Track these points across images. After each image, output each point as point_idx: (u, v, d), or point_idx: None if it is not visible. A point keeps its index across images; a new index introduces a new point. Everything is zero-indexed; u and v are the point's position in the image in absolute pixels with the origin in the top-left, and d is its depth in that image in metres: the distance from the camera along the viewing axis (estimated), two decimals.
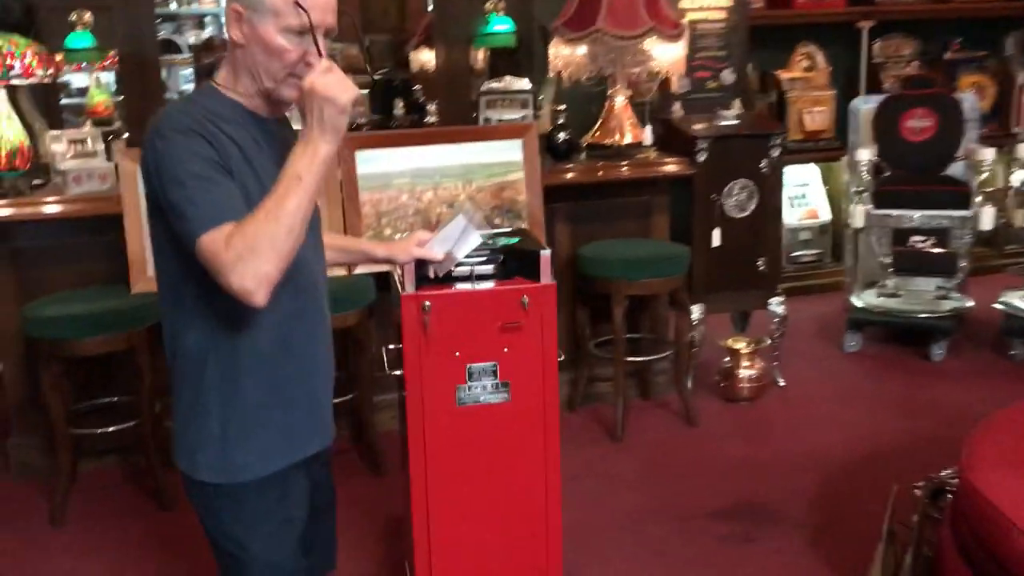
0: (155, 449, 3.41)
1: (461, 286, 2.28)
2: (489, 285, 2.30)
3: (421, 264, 2.21)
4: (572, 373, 4.16)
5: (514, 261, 2.35)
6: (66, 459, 3.39)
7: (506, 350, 2.31)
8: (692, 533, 3.17)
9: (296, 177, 1.55)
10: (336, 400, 1.97)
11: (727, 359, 4.27)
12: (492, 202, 3.71)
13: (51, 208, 3.45)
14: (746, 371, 4.21)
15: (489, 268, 2.32)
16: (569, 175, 3.97)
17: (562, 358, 2.46)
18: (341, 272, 3.36)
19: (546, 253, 2.30)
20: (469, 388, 2.31)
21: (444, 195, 3.67)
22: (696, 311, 4.17)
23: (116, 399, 3.66)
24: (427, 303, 2.24)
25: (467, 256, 2.28)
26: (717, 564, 3.00)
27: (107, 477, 3.67)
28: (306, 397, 1.81)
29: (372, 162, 3.59)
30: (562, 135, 4.03)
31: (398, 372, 2.31)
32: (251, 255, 1.51)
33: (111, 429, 3.48)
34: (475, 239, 2.19)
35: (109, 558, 3.13)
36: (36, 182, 3.62)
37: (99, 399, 3.67)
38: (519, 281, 2.32)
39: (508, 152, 3.73)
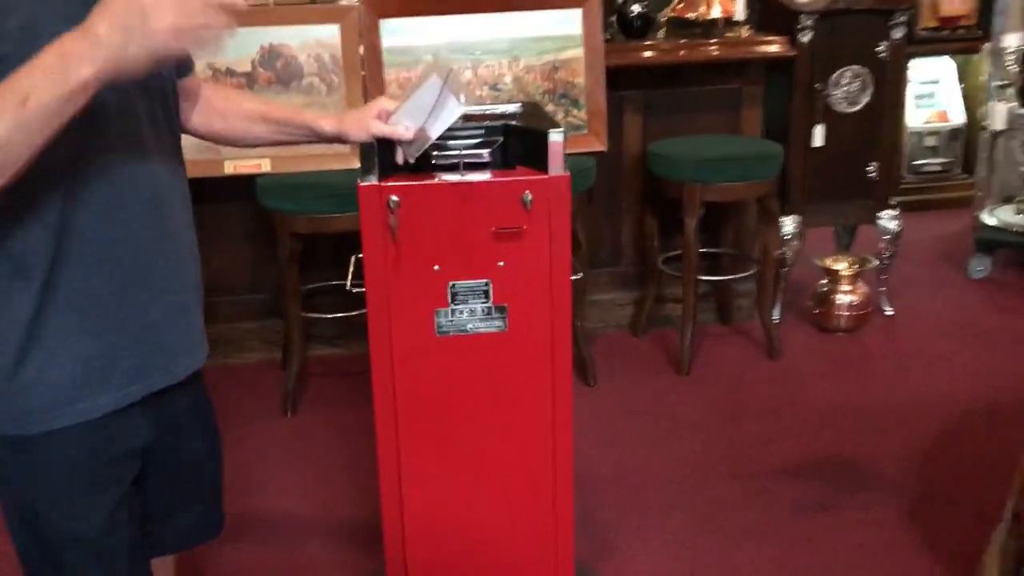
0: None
1: (444, 177, 1.69)
2: (482, 176, 1.69)
3: (386, 145, 1.63)
4: (638, 292, 3.54)
5: (517, 144, 1.74)
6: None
7: (502, 264, 1.71)
8: (759, 494, 2.55)
9: (22, 97, 1.03)
10: None
11: (824, 281, 3.57)
12: (543, 85, 3.07)
13: None
14: (846, 296, 3.51)
15: (483, 154, 1.72)
16: (643, 55, 3.28)
17: (579, 275, 1.87)
18: None
19: (557, 134, 1.68)
20: (452, 313, 1.73)
21: (486, 75, 3.05)
22: (789, 223, 3.48)
23: None
24: (394, 198, 1.65)
25: (453, 136, 1.69)
26: (785, 536, 2.38)
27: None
28: (136, 320, 1.28)
29: (399, 33, 2.98)
30: (636, 7, 3.32)
31: (360, 290, 1.75)
32: None
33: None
34: (455, 110, 1.58)
35: None
36: None
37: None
38: (522, 172, 1.71)
39: (565, 24, 3.06)
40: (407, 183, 1.67)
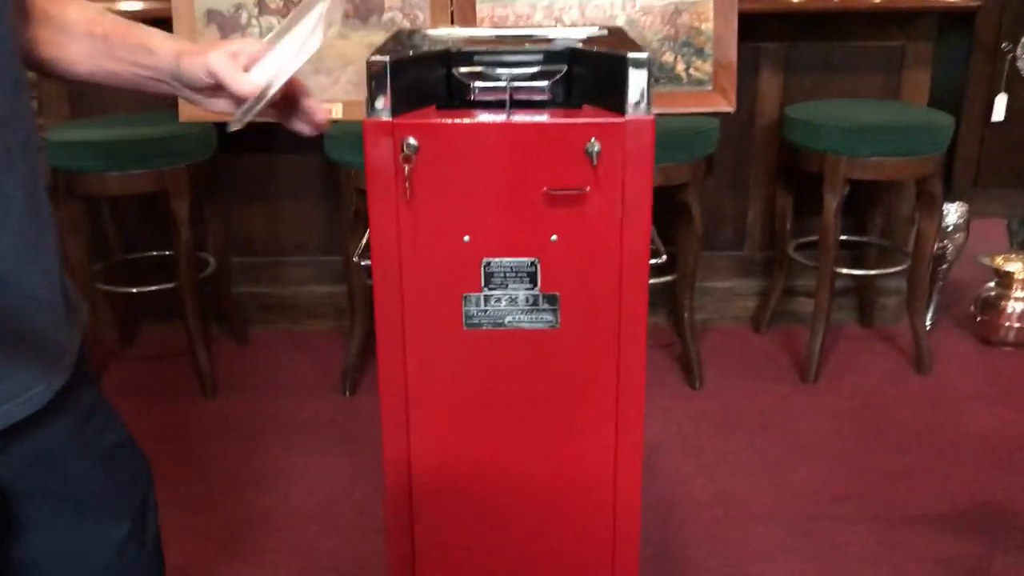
0: (198, 319, 2.63)
1: (482, 116, 1.22)
2: (534, 117, 1.22)
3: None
4: (763, 282, 2.99)
5: (586, 75, 1.26)
6: (93, 321, 2.66)
7: (555, 238, 1.24)
8: (895, 546, 2.00)
9: None
10: None
11: (991, 284, 2.93)
12: (662, 30, 2.55)
13: None
14: (1018, 304, 2.87)
15: (539, 87, 1.24)
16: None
17: (661, 259, 1.37)
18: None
19: (640, 60, 1.18)
20: (486, 301, 1.27)
21: (595, 15, 2.54)
22: (953, 211, 2.86)
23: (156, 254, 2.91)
24: (411, 141, 1.19)
25: (500, 63, 1.23)
26: None
27: (148, 347, 2.95)
28: None
29: None
30: None
31: (367, 263, 1.31)
32: None
33: (151, 288, 2.71)
34: (304, 49, 1.02)
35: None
36: None
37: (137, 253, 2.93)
38: (590, 113, 1.23)
39: None
40: (431, 121, 1.21)
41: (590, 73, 1.24)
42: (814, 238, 2.80)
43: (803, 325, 2.93)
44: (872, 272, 2.88)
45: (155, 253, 2.87)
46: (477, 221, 1.23)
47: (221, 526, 2.10)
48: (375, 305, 1.27)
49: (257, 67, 1.00)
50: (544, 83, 1.24)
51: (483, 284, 1.26)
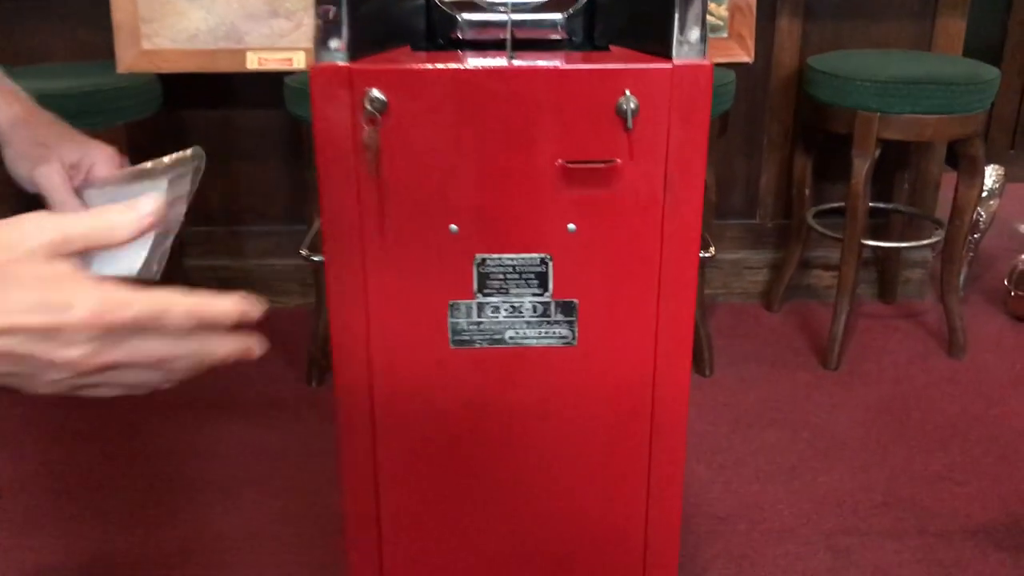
0: None
1: (475, 61, 0.89)
2: (547, 62, 0.88)
3: None
4: (777, 253, 2.67)
5: (615, 7, 0.92)
6: None
7: (573, 228, 0.91)
8: (948, 565, 1.72)
9: None
10: None
11: None
12: None
13: None
14: None
15: (552, 22, 0.91)
16: None
17: (710, 254, 1.05)
18: None
19: None
20: (480, 310, 0.94)
21: None
22: (988, 175, 2.55)
23: None
24: (376, 94, 0.86)
25: None
26: None
27: None
28: None
29: None
30: None
31: (317, 258, 0.97)
32: None
33: None
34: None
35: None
36: None
37: None
38: (620, 56, 0.90)
39: None
40: (404, 66, 0.87)
41: (621, 2, 0.90)
42: (835, 205, 2.48)
43: (820, 302, 2.62)
44: (903, 245, 2.56)
45: None
46: (468, 204, 0.90)
47: (164, 540, 1.77)
48: (330, 315, 0.94)
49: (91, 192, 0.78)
50: (558, 16, 0.90)
51: (476, 288, 0.93)
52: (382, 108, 0.85)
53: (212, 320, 0.55)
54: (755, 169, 2.61)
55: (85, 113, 2.12)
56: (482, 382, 0.95)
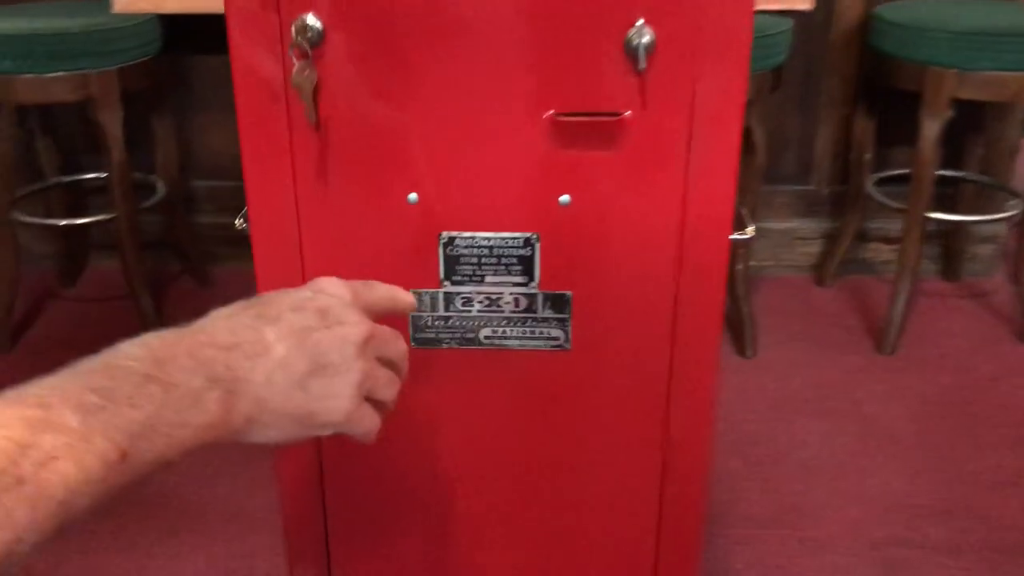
0: (137, 257, 2.12)
1: None
2: None
3: None
4: (832, 223, 2.41)
5: None
6: (8, 256, 2.15)
7: (566, 201, 0.70)
8: None
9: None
10: None
11: None
12: None
13: None
14: None
15: None
16: None
17: (747, 235, 0.83)
18: None
19: None
20: (448, 303, 0.74)
21: None
22: None
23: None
24: (311, 21, 0.65)
25: None
26: None
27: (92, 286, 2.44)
28: None
29: None
30: None
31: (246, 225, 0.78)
32: None
33: (79, 222, 2.20)
34: None
35: None
36: None
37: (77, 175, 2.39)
38: None
39: None
40: None
41: None
42: (898, 172, 2.23)
43: (877, 278, 2.38)
44: (974, 218, 2.30)
45: (93, 176, 2.34)
46: (431, 167, 0.69)
47: (148, 527, 1.61)
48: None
49: None
50: None
51: (442, 275, 0.72)
52: (318, 39, 0.64)
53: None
54: (810, 130, 2.36)
55: (76, 56, 1.94)
56: (451, 392, 0.75)
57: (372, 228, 0.70)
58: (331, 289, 0.57)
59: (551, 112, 0.66)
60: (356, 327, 0.55)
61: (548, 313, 0.72)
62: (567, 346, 0.73)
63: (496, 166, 0.68)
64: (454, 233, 0.70)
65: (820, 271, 2.42)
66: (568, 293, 0.72)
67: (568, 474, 0.78)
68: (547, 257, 0.70)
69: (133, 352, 0.49)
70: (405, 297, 0.62)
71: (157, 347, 0.50)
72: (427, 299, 0.72)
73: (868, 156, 2.23)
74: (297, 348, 0.54)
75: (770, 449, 1.82)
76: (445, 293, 0.72)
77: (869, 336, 2.20)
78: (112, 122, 1.99)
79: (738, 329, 2.12)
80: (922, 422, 1.91)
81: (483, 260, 0.71)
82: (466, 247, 0.70)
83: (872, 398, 1.98)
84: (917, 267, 2.12)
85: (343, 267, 0.71)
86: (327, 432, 0.56)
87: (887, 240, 2.33)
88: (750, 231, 0.76)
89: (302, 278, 0.71)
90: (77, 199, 2.35)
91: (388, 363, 0.59)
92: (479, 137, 0.67)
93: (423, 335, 0.73)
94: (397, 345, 0.59)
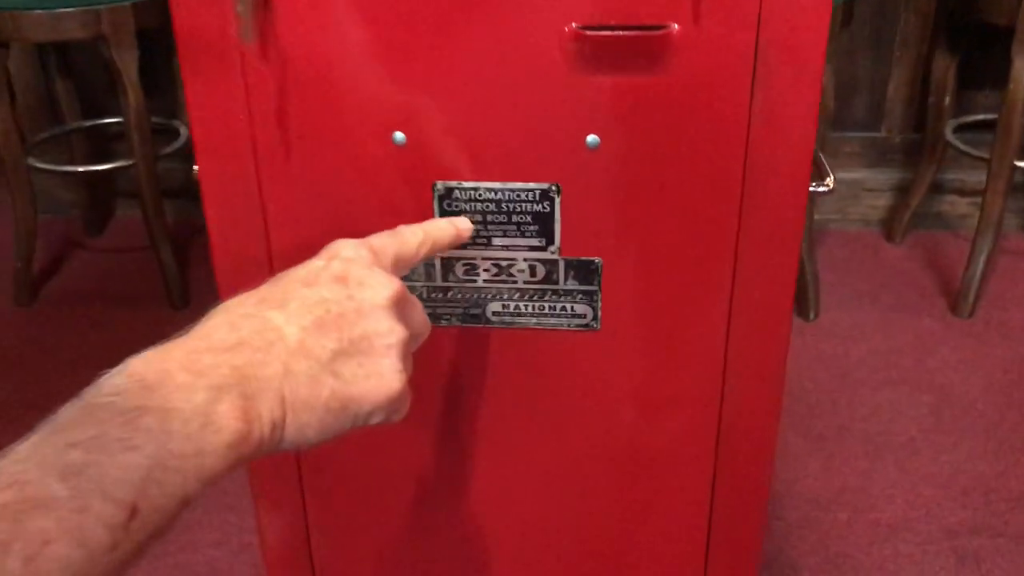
0: (158, 208, 2.00)
1: None
2: None
3: None
4: (905, 173, 2.21)
5: None
6: (24, 204, 2.04)
7: (594, 142, 0.55)
8: None
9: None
10: None
11: None
12: None
13: None
14: None
15: None
16: None
17: (828, 188, 0.67)
18: None
19: None
20: (446, 272, 0.59)
21: None
22: None
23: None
24: None
25: None
26: None
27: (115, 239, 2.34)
28: None
29: None
30: None
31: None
32: None
33: (97, 168, 2.08)
34: None
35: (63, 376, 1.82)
36: None
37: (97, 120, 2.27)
38: None
39: None
40: None
41: None
42: (981, 117, 2.02)
43: (953, 233, 2.18)
44: None
45: (115, 120, 2.22)
46: (422, 100, 0.54)
47: None
48: (216, 278, 0.61)
49: None
50: None
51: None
52: None
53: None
54: (883, 71, 2.14)
55: None
56: (452, 380, 0.61)
57: (350, 177, 0.55)
58: (346, 252, 0.48)
59: (575, 24, 0.50)
60: (384, 288, 0.47)
61: (572, 285, 0.57)
62: (595, 326, 0.58)
63: (505, 97, 0.52)
64: (452, 183, 0.55)
65: (890, 225, 2.22)
66: (597, 260, 0.56)
67: (597, 480, 0.64)
68: (570, 214, 0.55)
69: (116, 384, 0.40)
70: (442, 231, 0.52)
71: (143, 371, 0.41)
72: (420, 267, 0.58)
73: (947, 100, 2.02)
74: (316, 328, 0.46)
75: (832, 423, 1.66)
76: (443, 259, 0.57)
77: (944, 297, 2.00)
78: (127, 62, 1.86)
79: (799, 288, 1.94)
80: (1003, 394, 1.72)
81: (489, 217, 0.56)
82: (467, 201, 0.55)
83: (947, 367, 1.80)
84: (1000, 222, 1.92)
85: (316, 228, 0.57)
86: (375, 420, 0.47)
87: (965, 192, 2.12)
88: (830, 182, 0.60)
89: (266, 243, 0.57)
90: (100, 145, 2.23)
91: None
92: (482, 59, 0.52)
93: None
94: (422, 313, 0.51)
